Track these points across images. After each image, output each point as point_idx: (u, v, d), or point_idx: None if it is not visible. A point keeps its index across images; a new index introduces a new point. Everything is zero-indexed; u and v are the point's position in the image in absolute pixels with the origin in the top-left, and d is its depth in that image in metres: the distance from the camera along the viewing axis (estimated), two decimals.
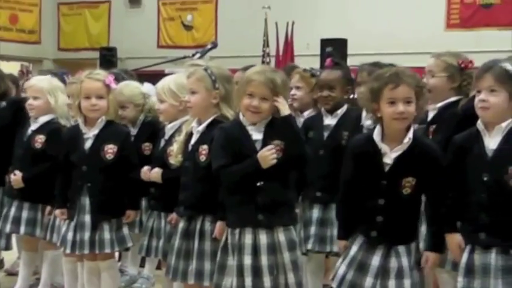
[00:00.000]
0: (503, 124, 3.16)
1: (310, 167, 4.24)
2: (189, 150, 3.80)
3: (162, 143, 4.23)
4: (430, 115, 3.88)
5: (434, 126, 3.81)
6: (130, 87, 4.78)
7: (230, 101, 3.72)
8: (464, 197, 3.25)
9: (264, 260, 3.39)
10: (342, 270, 3.35)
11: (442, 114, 3.80)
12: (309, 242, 4.28)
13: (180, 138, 3.90)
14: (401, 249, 3.29)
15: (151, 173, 4.12)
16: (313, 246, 4.28)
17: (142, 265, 5.26)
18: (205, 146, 3.68)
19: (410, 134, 3.27)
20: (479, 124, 3.23)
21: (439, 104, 3.84)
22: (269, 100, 3.40)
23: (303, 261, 4.48)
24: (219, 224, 3.63)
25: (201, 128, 3.77)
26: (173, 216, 3.94)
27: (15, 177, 4.64)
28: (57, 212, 4.35)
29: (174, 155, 3.90)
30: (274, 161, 3.38)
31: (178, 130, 4.05)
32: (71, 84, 4.67)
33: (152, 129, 4.50)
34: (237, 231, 3.47)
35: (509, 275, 3.12)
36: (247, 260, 3.39)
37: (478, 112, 3.20)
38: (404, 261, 3.28)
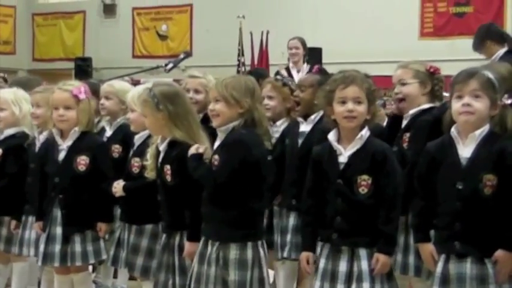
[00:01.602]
0: (477, 132, 3.16)
1: (286, 174, 4.26)
2: (158, 166, 3.78)
3: (131, 153, 4.20)
4: (404, 123, 3.90)
5: (408, 134, 3.82)
6: (122, 83, 4.84)
7: (178, 121, 3.68)
8: (436, 206, 3.25)
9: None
10: (317, 285, 3.35)
11: (415, 121, 3.81)
12: (285, 250, 4.28)
13: (151, 151, 3.85)
14: (362, 252, 3.29)
15: (115, 187, 4.09)
16: (288, 253, 4.27)
17: (115, 276, 5.22)
18: (168, 166, 3.67)
19: (363, 132, 3.32)
20: (453, 131, 3.23)
21: (412, 111, 3.86)
22: None
23: (277, 267, 4.50)
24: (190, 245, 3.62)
25: (163, 147, 3.75)
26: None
27: None
28: (35, 225, 4.31)
29: (149, 169, 3.86)
30: None
31: (148, 142, 4.02)
32: (35, 94, 4.63)
33: (125, 132, 4.46)
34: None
35: (484, 285, 3.10)
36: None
37: (459, 117, 3.18)
38: (364, 265, 3.26)
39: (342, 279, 3.27)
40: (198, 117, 3.89)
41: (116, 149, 4.52)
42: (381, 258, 3.26)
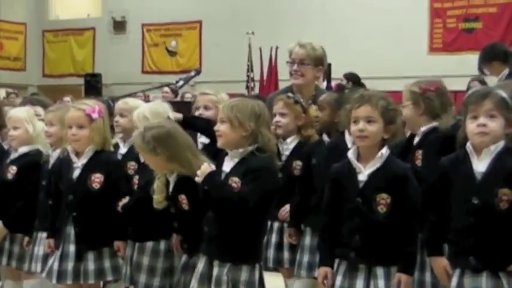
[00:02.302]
0: (492, 147, 3.18)
1: (315, 194, 4.25)
2: (170, 195, 3.81)
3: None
4: (415, 140, 3.91)
5: (420, 151, 3.82)
6: (136, 101, 4.87)
7: (177, 159, 3.70)
8: (450, 221, 3.25)
9: None
10: None
11: (426, 139, 3.82)
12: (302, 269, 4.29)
13: (160, 183, 3.86)
14: (380, 271, 3.28)
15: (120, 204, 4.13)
16: (306, 273, 4.27)
17: None
18: (183, 196, 3.71)
19: (383, 151, 3.32)
20: (469, 146, 3.24)
21: (423, 129, 3.86)
22: None
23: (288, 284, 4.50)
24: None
25: (172, 179, 3.78)
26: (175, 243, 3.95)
27: None
28: (45, 241, 4.31)
29: (157, 202, 3.85)
30: None
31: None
32: (49, 113, 4.65)
33: None
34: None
35: None
36: None
37: (474, 138, 3.19)
38: (381, 284, 3.27)
39: None
40: (194, 144, 3.90)
41: (132, 166, 4.55)
42: (403, 278, 3.26)
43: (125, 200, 4.09)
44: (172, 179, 3.76)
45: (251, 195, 3.38)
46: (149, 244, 4.01)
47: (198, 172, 3.47)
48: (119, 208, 4.07)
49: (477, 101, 3.21)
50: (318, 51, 4.92)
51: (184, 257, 3.81)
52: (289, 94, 4.60)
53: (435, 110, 3.84)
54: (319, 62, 4.89)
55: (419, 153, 3.82)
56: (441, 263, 3.31)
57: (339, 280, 3.34)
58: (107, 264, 4.15)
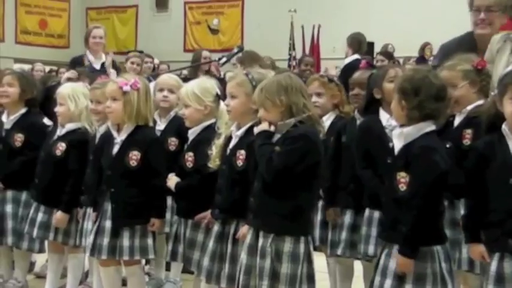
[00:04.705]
0: None
1: (341, 172, 4.22)
2: (227, 153, 3.80)
3: (185, 147, 4.23)
4: (458, 120, 3.83)
5: (468, 131, 3.75)
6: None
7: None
8: (487, 204, 3.19)
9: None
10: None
11: (474, 118, 3.74)
12: (340, 247, 4.26)
13: (218, 141, 3.88)
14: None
15: (168, 180, 4.12)
16: (342, 251, 4.25)
17: (168, 269, 5.26)
18: (242, 151, 3.68)
19: (405, 129, 3.24)
20: (504, 128, 3.16)
21: (469, 107, 3.78)
22: None
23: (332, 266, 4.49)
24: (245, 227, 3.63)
25: (240, 132, 3.76)
26: (204, 215, 3.94)
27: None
28: (93, 215, 4.36)
29: (212, 159, 3.88)
30: None
31: (201, 137, 4.05)
32: (94, 90, 4.66)
33: (179, 124, 4.48)
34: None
35: None
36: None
37: None
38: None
39: None
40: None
41: (173, 142, 4.55)
42: (397, 257, 3.20)
43: (174, 178, 4.10)
44: (239, 133, 3.75)
45: (278, 156, 3.38)
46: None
47: (263, 124, 3.50)
48: (172, 186, 4.09)
49: None
50: None
51: (217, 226, 3.79)
52: (323, 73, 4.55)
53: (485, 88, 3.77)
54: (507, 8, 4.54)
55: (466, 133, 3.75)
56: (478, 249, 3.25)
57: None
58: (136, 243, 4.18)
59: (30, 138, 4.85)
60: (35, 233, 4.68)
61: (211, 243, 3.77)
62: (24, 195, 4.87)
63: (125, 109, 4.14)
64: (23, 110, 4.92)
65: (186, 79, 5.47)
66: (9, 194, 4.86)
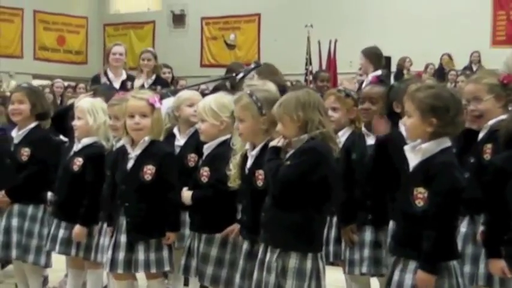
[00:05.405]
0: None
1: (357, 189, 4.19)
2: (245, 173, 3.79)
3: (200, 162, 4.22)
4: (481, 134, 3.79)
5: (489, 145, 3.71)
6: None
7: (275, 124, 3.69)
8: (506, 219, 3.15)
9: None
10: None
11: (495, 133, 3.70)
12: (364, 265, 4.21)
13: (235, 160, 3.87)
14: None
15: (183, 196, 4.12)
16: (368, 269, 4.20)
17: (186, 283, 5.24)
18: (261, 171, 3.66)
19: (423, 145, 3.18)
20: None
21: (491, 123, 3.74)
22: None
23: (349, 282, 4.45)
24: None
25: (255, 152, 3.75)
26: (231, 230, 3.95)
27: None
28: (108, 231, 4.37)
29: (232, 179, 3.86)
30: None
31: (217, 152, 4.04)
32: (113, 106, 4.67)
33: (199, 139, 4.47)
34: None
35: None
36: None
37: None
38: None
39: None
40: None
41: (192, 158, 4.53)
42: (418, 273, 3.15)
43: (187, 192, 4.10)
44: (255, 153, 3.75)
45: (286, 168, 3.37)
46: (218, 236, 3.99)
47: (274, 141, 3.51)
48: (188, 199, 4.09)
49: None
50: None
51: (245, 244, 3.80)
52: (340, 88, 4.53)
53: (510, 103, 3.72)
54: None
55: (487, 147, 3.71)
56: (499, 264, 3.21)
57: None
58: (152, 256, 4.17)
59: (36, 152, 4.84)
60: (57, 249, 4.68)
61: (241, 261, 3.75)
62: (30, 209, 4.86)
63: (154, 125, 4.16)
64: (33, 125, 4.92)
65: (203, 94, 5.48)
66: (16, 207, 4.85)
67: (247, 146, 3.80)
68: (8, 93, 10.48)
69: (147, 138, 4.17)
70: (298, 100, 3.48)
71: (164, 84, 7.58)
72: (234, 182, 3.84)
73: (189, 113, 4.72)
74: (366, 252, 4.16)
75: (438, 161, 3.12)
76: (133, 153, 4.20)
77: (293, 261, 3.37)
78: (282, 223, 3.40)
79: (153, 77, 7.62)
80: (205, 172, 4.09)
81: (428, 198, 3.11)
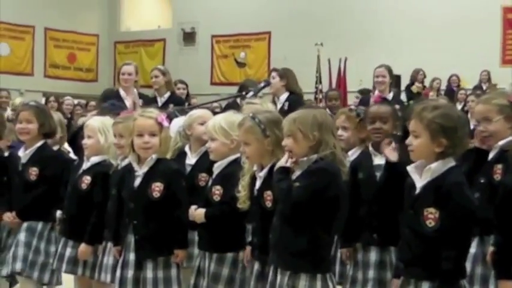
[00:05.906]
0: None
1: (362, 208, 4.18)
2: (254, 194, 3.79)
3: (210, 181, 4.22)
4: (491, 155, 3.78)
5: (499, 166, 3.70)
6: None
7: (281, 145, 3.69)
8: None
9: None
10: None
11: (505, 153, 3.69)
12: (368, 286, 4.18)
13: (244, 182, 3.88)
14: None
15: (195, 214, 4.11)
16: None
17: None
18: (269, 192, 3.66)
19: (433, 165, 3.14)
20: None
21: (501, 143, 3.74)
22: None
23: None
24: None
25: (263, 174, 3.75)
26: (246, 253, 3.95)
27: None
28: (113, 250, 4.37)
29: (242, 201, 3.87)
30: None
31: (227, 171, 4.04)
32: (117, 124, 4.68)
33: (210, 160, 4.48)
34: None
35: None
36: None
37: None
38: None
39: None
40: None
41: (203, 178, 4.53)
42: None
43: (200, 209, 4.09)
44: (263, 174, 3.75)
45: (297, 189, 3.35)
46: (229, 255, 4.00)
47: (281, 161, 3.50)
48: (193, 216, 4.09)
49: None
50: None
51: (256, 265, 3.79)
52: (352, 107, 4.52)
53: None
54: None
55: (497, 168, 3.70)
56: (508, 285, 3.18)
57: None
58: (160, 274, 4.16)
59: (44, 171, 4.85)
60: (63, 268, 4.68)
61: (252, 282, 3.75)
62: (40, 226, 4.87)
63: (162, 143, 4.17)
64: (40, 143, 4.92)
65: (214, 113, 5.50)
66: (25, 224, 4.86)
67: (256, 167, 3.81)
68: (9, 111, 10.49)
69: (154, 156, 4.18)
70: (316, 119, 3.46)
71: (178, 101, 7.58)
72: (243, 204, 3.84)
73: (201, 131, 4.72)
74: (371, 273, 4.12)
75: (450, 182, 3.08)
76: (141, 170, 4.20)
77: (303, 283, 3.36)
78: (290, 245, 3.40)
79: (167, 94, 7.63)
80: (217, 191, 4.08)
81: (439, 218, 3.07)
